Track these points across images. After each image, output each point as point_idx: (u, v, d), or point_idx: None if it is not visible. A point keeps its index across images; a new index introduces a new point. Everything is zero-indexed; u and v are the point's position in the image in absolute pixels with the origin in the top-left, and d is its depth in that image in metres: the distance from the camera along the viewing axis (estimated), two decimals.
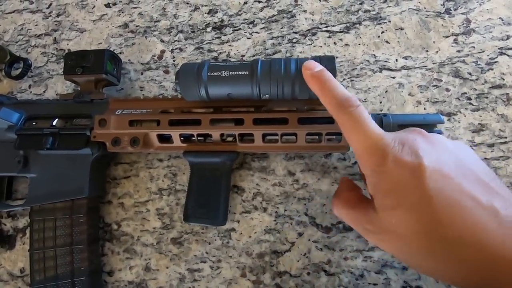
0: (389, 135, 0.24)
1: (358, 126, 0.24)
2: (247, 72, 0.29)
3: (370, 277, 0.33)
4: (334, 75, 0.28)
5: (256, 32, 0.42)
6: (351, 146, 0.26)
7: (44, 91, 0.44)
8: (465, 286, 0.22)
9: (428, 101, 0.37)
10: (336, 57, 0.40)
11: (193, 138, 0.34)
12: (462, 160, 0.23)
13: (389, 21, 0.40)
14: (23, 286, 0.38)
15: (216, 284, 0.35)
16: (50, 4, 0.48)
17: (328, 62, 0.29)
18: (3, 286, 0.38)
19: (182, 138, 0.34)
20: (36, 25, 0.47)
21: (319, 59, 0.29)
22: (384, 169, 0.23)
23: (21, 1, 0.49)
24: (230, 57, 0.42)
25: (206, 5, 0.44)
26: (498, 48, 0.38)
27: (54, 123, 0.37)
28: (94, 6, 0.47)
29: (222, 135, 0.34)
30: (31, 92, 0.45)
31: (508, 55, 0.37)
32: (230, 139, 0.35)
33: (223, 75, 0.29)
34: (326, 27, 0.41)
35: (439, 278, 0.25)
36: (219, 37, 0.43)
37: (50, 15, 0.48)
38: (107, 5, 0.47)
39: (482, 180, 0.22)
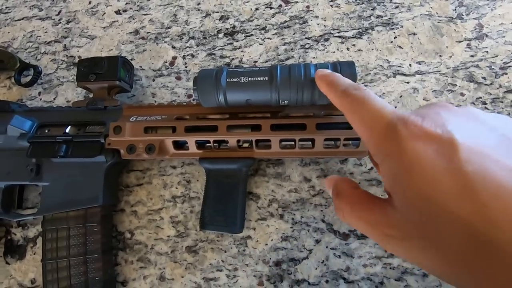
0: (404, 111, 0.19)
1: (364, 105, 0.20)
2: (266, 78, 0.29)
3: (390, 284, 0.33)
4: (354, 80, 0.28)
5: (268, 38, 0.42)
6: (358, 132, 0.21)
7: (54, 98, 0.44)
8: None
9: None
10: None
11: (209, 144, 0.34)
12: (506, 134, 0.17)
13: (402, 27, 0.40)
14: None
15: None
16: (60, 11, 0.48)
17: (348, 67, 0.28)
18: None
19: (197, 145, 0.34)
20: (46, 32, 0.47)
21: (338, 64, 0.29)
22: (400, 148, 0.17)
23: (30, 9, 0.49)
24: (242, 63, 0.42)
25: (218, 12, 0.44)
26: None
27: (67, 130, 0.36)
28: (105, 13, 0.47)
29: (238, 141, 0.33)
30: (41, 99, 0.44)
31: None
32: (246, 145, 0.34)
33: (242, 81, 0.29)
34: (338, 32, 0.41)
35: None
36: (231, 43, 0.43)
37: (60, 22, 0.48)
38: (118, 12, 0.47)
39: None
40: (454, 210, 0.15)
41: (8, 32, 0.48)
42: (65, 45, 0.46)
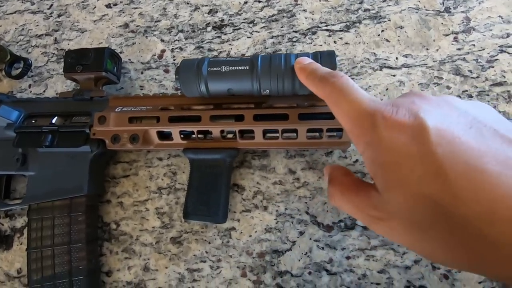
0: (381, 101, 0.21)
1: (343, 95, 0.21)
2: (247, 67, 0.29)
3: (373, 277, 0.33)
4: (334, 69, 0.28)
5: (256, 31, 0.42)
6: (339, 121, 0.22)
7: (44, 91, 0.44)
8: (502, 277, 0.17)
9: None
10: (336, 56, 0.40)
11: (193, 135, 0.34)
12: (478, 118, 0.18)
13: (389, 20, 0.40)
14: (20, 287, 0.37)
15: (216, 284, 0.35)
16: (51, 5, 0.49)
17: (328, 57, 0.28)
18: (0, 286, 0.38)
19: (182, 135, 0.34)
20: (37, 25, 0.48)
21: (319, 54, 0.29)
22: (378, 138, 0.19)
23: (22, 2, 0.49)
24: (230, 56, 0.42)
25: (207, 5, 0.45)
26: (499, 46, 0.38)
27: (53, 121, 0.37)
28: (95, 7, 0.47)
29: (222, 131, 0.33)
30: (31, 91, 0.44)
31: (509, 53, 0.37)
32: (230, 136, 0.34)
33: (223, 70, 0.29)
34: (326, 26, 0.41)
35: (465, 268, 0.18)
36: (219, 36, 0.43)
37: (51, 16, 0.48)
38: (108, 6, 0.47)
39: (504, 137, 0.17)
40: (425, 190, 0.17)
41: (0, 26, 0.49)
42: (55, 38, 0.47)
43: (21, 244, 0.39)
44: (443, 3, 0.40)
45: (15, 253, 0.39)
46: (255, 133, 0.33)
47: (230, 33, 0.43)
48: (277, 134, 0.33)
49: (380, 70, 0.39)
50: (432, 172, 0.17)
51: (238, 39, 0.42)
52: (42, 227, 0.34)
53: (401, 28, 0.40)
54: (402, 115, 0.18)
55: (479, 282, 0.31)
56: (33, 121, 0.37)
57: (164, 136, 0.35)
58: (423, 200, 0.17)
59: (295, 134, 0.33)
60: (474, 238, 0.16)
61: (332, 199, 0.24)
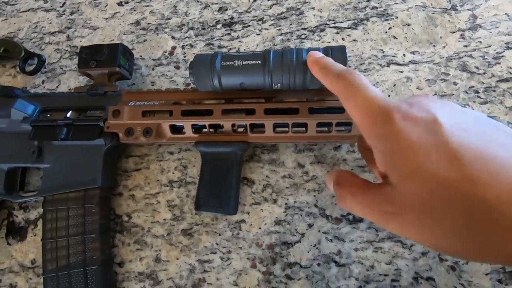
0: (393, 99, 0.22)
1: (357, 91, 0.22)
2: (259, 62, 0.30)
3: (381, 268, 0.33)
4: (345, 65, 0.28)
5: (265, 29, 0.43)
6: (351, 115, 0.23)
7: (57, 86, 0.45)
8: None
9: (436, 94, 0.38)
10: None
11: (205, 129, 0.35)
12: (480, 117, 0.20)
13: (396, 17, 0.41)
14: (34, 277, 0.38)
15: (226, 275, 0.35)
16: (64, 3, 0.50)
17: (339, 51, 0.29)
18: (14, 277, 0.39)
19: (193, 129, 0.35)
20: (50, 23, 0.49)
21: (330, 49, 0.29)
22: (393, 130, 0.20)
23: (35, 0, 0.51)
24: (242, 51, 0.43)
25: (216, 3, 0.45)
26: (505, 43, 0.38)
27: (68, 115, 0.37)
28: (107, 5, 0.48)
29: (233, 125, 0.34)
30: (44, 87, 0.45)
31: None
32: (241, 129, 0.35)
33: (236, 64, 0.30)
34: (334, 23, 0.42)
35: (481, 257, 0.18)
36: (229, 34, 0.44)
37: (64, 13, 0.49)
38: (120, 4, 0.48)
39: (507, 132, 0.19)
40: (443, 178, 0.18)
41: (14, 23, 0.50)
42: (68, 35, 0.48)
43: (35, 235, 0.40)
44: (449, 1, 0.41)
45: (29, 244, 0.39)
46: (266, 127, 0.33)
47: (239, 30, 0.44)
48: (287, 129, 0.34)
49: (388, 66, 0.39)
50: (448, 159, 0.18)
51: (247, 36, 0.43)
52: (57, 218, 0.35)
53: (408, 25, 0.40)
54: (416, 111, 0.20)
55: (486, 274, 0.32)
56: (48, 115, 0.38)
57: (177, 129, 0.36)
58: (440, 187, 0.18)
59: (304, 129, 0.34)
60: (493, 220, 0.16)
61: (342, 202, 0.24)
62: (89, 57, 0.38)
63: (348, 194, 0.23)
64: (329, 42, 0.41)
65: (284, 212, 0.36)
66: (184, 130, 0.35)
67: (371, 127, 0.21)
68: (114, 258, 0.37)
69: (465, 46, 0.39)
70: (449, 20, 0.40)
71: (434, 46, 0.39)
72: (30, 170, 0.41)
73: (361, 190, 0.23)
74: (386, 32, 0.41)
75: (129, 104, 0.36)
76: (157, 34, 0.45)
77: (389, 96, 0.38)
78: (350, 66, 0.40)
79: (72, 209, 0.35)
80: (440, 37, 0.39)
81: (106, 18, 0.47)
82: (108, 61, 0.37)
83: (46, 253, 0.35)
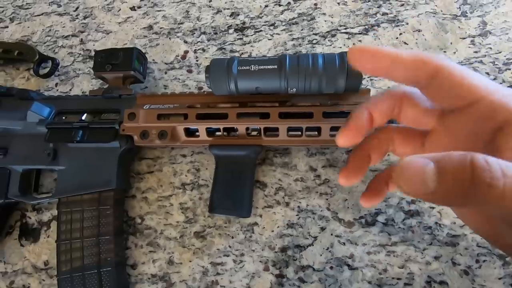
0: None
1: (460, 79, 0.19)
2: (276, 66, 0.30)
3: (394, 272, 0.34)
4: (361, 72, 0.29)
5: (277, 34, 0.44)
6: (450, 106, 0.21)
7: (70, 89, 0.46)
8: None
9: None
10: None
11: (219, 132, 0.35)
12: None
13: (407, 24, 0.42)
14: (47, 278, 0.38)
15: (239, 278, 0.35)
16: (77, 7, 0.50)
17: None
18: (27, 278, 0.39)
19: (207, 132, 0.35)
20: (64, 26, 0.49)
21: (345, 54, 0.30)
22: None
23: (49, 5, 0.51)
24: (258, 56, 0.43)
25: (228, 8, 0.46)
26: None
27: (83, 117, 0.38)
28: (120, 9, 0.49)
29: (247, 129, 0.34)
30: (57, 90, 0.46)
31: None
32: (255, 133, 0.35)
33: (252, 69, 0.30)
34: (345, 29, 0.43)
35: None
36: (241, 38, 0.44)
37: (77, 18, 0.50)
38: (132, 8, 0.49)
39: None
40: None
41: (28, 27, 0.50)
42: (81, 39, 0.48)
43: (48, 237, 0.40)
44: (459, 7, 0.41)
45: (42, 246, 0.40)
46: (280, 131, 0.34)
47: (251, 35, 0.44)
48: (300, 132, 0.34)
49: None
50: None
51: (259, 41, 0.44)
52: (71, 220, 0.36)
53: (419, 31, 0.41)
54: None
55: (499, 278, 0.32)
56: (63, 118, 0.38)
57: (191, 132, 0.36)
58: None
59: (316, 133, 0.34)
60: None
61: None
62: (104, 60, 0.38)
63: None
64: (340, 47, 0.42)
65: (297, 215, 0.37)
66: (198, 133, 0.35)
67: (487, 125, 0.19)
68: (127, 260, 0.38)
69: (476, 52, 0.39)
70: (459, 27, 0.40)
71: (444, 52, 0.40)
72: (44, 172, 0.42)
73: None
74: (397, 38, 0.41)
75: (144, 107, 0.36)
76: (169, 38, 0.46)
77: None
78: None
79: (86, 211, 0.36)
80: (451, 43, 0.40)
81: (119, 23, 0.48)
82: (123, 65, 0.38)
83: (60, 255, 0.35)
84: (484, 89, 0.19)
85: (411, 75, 0.21)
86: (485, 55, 0.39)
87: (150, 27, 0.47)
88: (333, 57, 0.30)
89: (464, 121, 0.20)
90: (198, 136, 0.36)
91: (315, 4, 0.44)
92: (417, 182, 0.15)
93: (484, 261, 0.32)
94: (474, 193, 0.14)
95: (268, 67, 0.30)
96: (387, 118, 0.25)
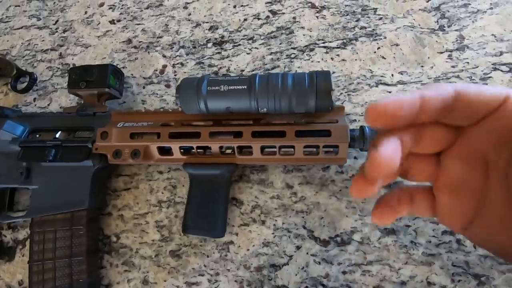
0: None
1: (478, 89, 0.19)
2: (245, 87, 0.30)
3: None
4: (331, 89, 0.29)
5: (255, 48, 0.43)
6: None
7: (48, 104, 0.45)
8: None
9: None
10: (333, 72, 0.41)
11: (193, 150, 0.35)
12: None
13: (385, 38, 0.41)
14: None
15: None
16: (57, 21, 0.50)
17: (324, 76, 0.29)
18: None
19: (182, 150, 0.35)
20: (43, 40, 0.49)
21: (315, 74, 0.30)
22: None
23: (29, 18, 0.51)
24: (230, 72, 0.43)
25: (207, 22, 0.46)
26: (492, 64, 0.38)
27: (57, 135, 0.38)
28: (99, 23, 0.49)
29: (221, 147, 0.34)
30: (35, 105, 0.46)
31: (502, 71, 0.38)
32: (229, 151, 0.35)
33: (222, 89, 0.30)
34: (323, 43, 0.42)
35: None
36: (219, 53, 0.44)
37: (57, 31, 0.49)
38: (112, 22, 0.48)
39: None
40: None
41: (7, 41, 0.50)
42: (60, 53, 0.48)
43: (23, 255, 0.40)
44: (437, 21, 0.41)
45: (17, 265, 0.39)
46: (253, 149, 0.33)
47: (230, 49, 0.44)
48: (275, 150, 0.34)
49: (376, 86, 0.39)
50: None
51: (237, 55, 0.43)
52: (44, 240, 0.35)
53: (397, 45, 0.41)
54: None
55: None
56: (37, 136, 0.38)
57: (165, 151, 0.36)
58: None
59: (292, 150, 0.34)
60: None
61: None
62: (79, 77, 0.38)
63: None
64: (318, 61, 0.42)
65: (273, 233, 0.36)
66: (172, 152, 0.35)
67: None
68: (101, 279, 0.37)
69: (453, 66, 0.39)
70: (436, 41, 0.40)
71: (422, 66, 0.40)
72: (19, 189, 0.41)
73: None
74: (375, 52, 0.41)
75: (118, 125, 0.36)
76: (148, 52, 0.46)
77: None
78: (339, 86, 0.40)
79: (59, 231, 0.35)
80: (428, 58, 0.40)
81: (98, 36, 0.48)
82: (97, 82, 0.38)
83: (33, 276, 0.35)
84: (506, 90, 0.18)
85: (438, 113, 0.20)
86: (462, 70, 0.39)
87: (129, 41, 0.47)
88: (302, 76, 0.30)
89: (490, 128, 0.19)
90: (172, 154, 0.35)
91: (294, 18, 0.44)
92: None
93: (459, 280, 0.32)
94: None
95: (238, 87, 0.30)
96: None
